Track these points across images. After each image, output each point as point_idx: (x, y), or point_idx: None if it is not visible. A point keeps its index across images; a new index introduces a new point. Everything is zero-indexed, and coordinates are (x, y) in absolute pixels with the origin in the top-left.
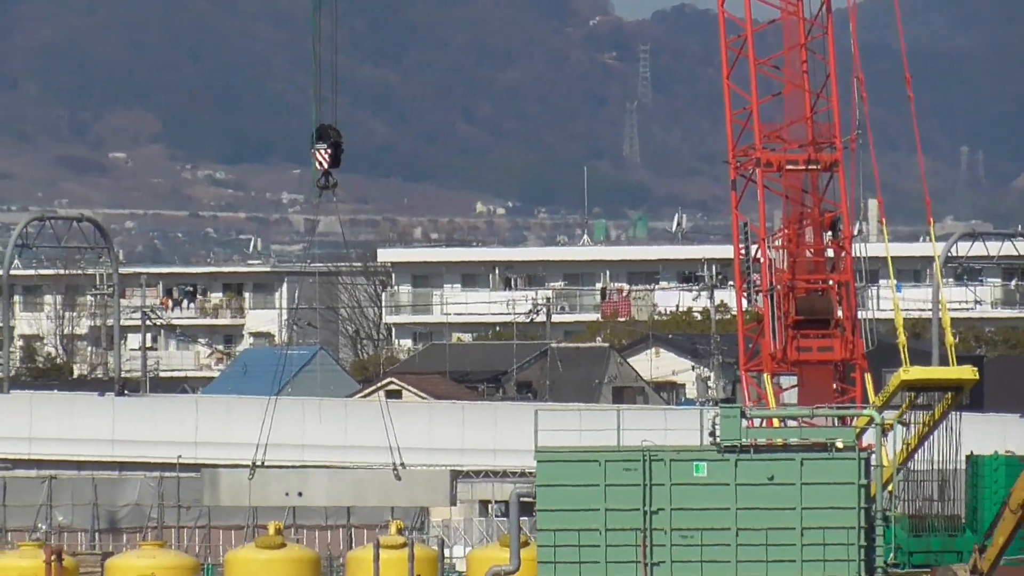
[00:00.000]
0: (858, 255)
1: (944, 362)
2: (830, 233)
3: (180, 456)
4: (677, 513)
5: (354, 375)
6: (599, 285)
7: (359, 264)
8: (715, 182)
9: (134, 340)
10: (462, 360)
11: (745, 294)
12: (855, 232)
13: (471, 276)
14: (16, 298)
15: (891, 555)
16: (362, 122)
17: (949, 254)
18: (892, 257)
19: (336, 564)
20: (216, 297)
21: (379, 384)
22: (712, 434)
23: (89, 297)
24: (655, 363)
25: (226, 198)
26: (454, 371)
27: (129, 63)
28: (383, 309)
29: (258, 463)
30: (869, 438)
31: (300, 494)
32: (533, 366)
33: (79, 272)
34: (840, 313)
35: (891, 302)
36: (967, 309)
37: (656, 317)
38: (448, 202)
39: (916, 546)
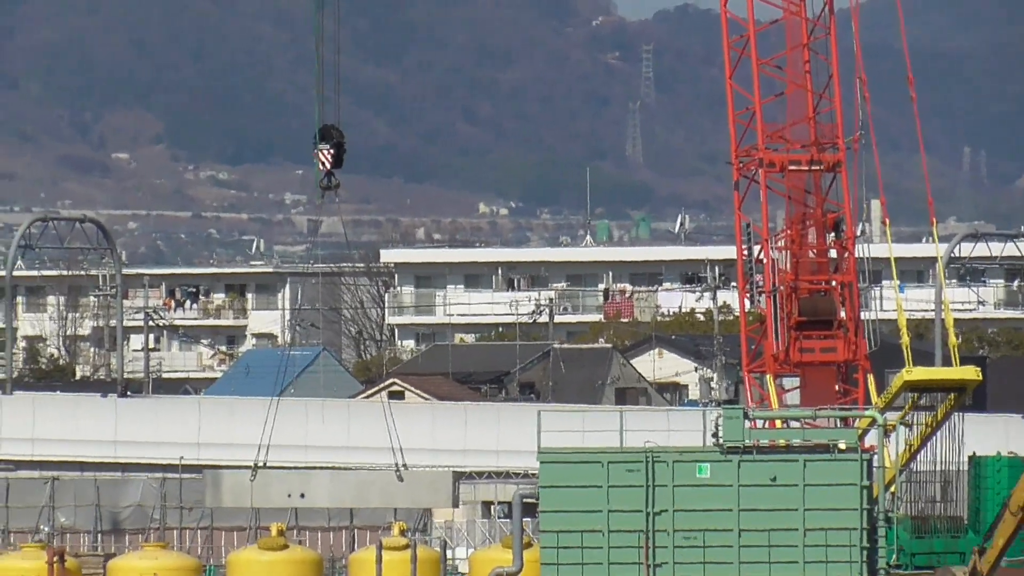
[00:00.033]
0: (861, 256)
1: (947, 363)
2: (833, 234)
3: (182, 457)
4: (680, 514)
5: (357, 376)
6: (602, 286)
7: (362, 265)
8: (718, 182)
9: (137, 341)
10: (465, 361)
11: (748, 295)
12: (858, 233)
13: (474, 277)
14: (19, 299)
15: (893, 556)
16: (364, 122)
17: (952, 255)
18: (895, 258)
19: (339, 565)
20: (219, 298)
21: (382, 385)
22: (715, 435)
23: (92, 298)
24: (658, 364)
25: (229, 199)
26: (457, 372)
27: (130, 63)
28: (386, 310)
29: (260, 464)
30: (872, 439)
31: (302, 495)
32: (536, 367)
33: (82, 273)
34: (843, 314)
35: (894, 303)
36: (970, 310)
37: (659, 318)
38: (450, 202)
39: (918, 547)
